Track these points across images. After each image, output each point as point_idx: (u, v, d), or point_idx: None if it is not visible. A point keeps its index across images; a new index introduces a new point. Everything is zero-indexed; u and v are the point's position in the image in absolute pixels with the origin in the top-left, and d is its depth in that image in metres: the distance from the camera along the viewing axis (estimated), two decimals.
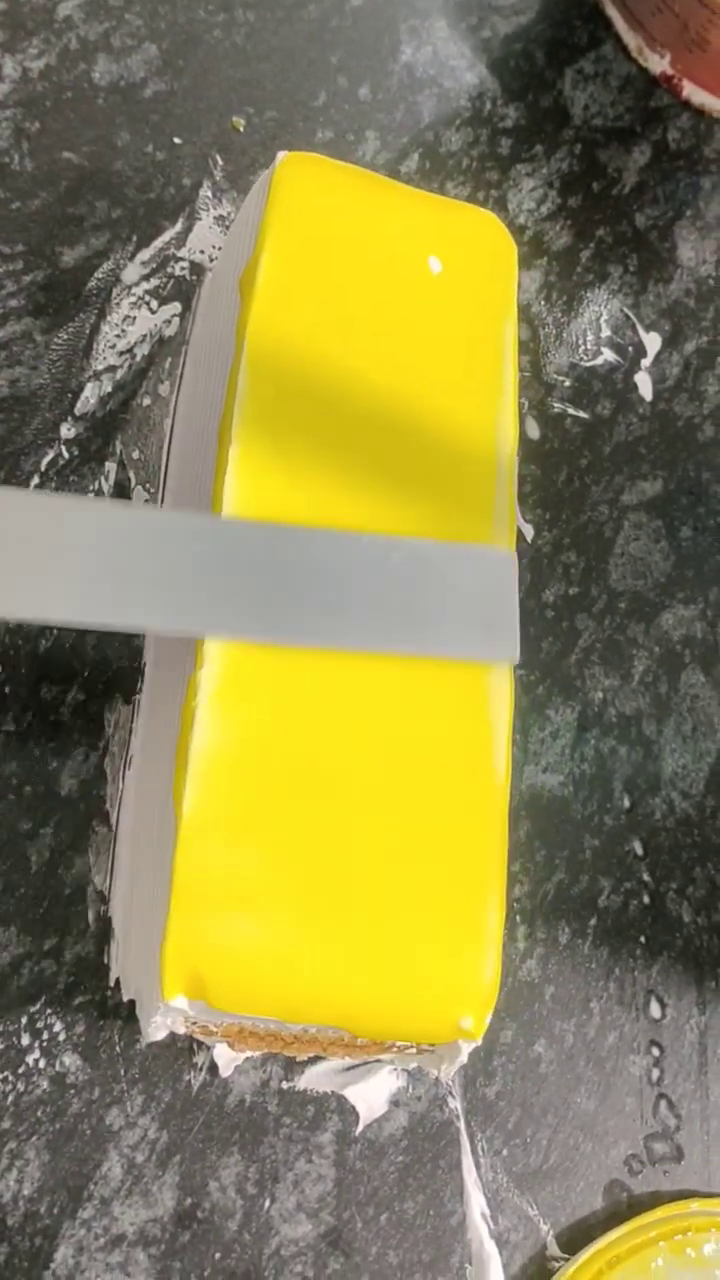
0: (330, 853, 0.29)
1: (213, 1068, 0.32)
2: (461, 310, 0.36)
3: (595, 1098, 0.35)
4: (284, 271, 0.34)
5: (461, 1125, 0.34)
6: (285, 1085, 0.32)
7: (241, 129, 0.42)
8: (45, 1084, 0.31)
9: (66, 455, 0.36)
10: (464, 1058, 0.29)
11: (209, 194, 0.41)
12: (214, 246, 0.40)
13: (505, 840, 0.31)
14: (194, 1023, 0.28)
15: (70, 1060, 0.31)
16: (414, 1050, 0.30)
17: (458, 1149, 0.33)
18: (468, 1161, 0.33)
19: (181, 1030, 0.28)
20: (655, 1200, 0.34)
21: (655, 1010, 0.37)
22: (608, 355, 0.45)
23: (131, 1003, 0.31)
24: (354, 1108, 0.33)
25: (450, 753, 0.31)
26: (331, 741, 0.30)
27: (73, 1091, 0.31)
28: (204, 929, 0.27)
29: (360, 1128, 0.33)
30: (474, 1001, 0.29)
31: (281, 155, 0.35)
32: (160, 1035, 0.28)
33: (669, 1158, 0.35)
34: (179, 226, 0.40)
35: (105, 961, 0.32)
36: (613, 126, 0.49)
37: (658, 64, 0.50)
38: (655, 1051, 0.36)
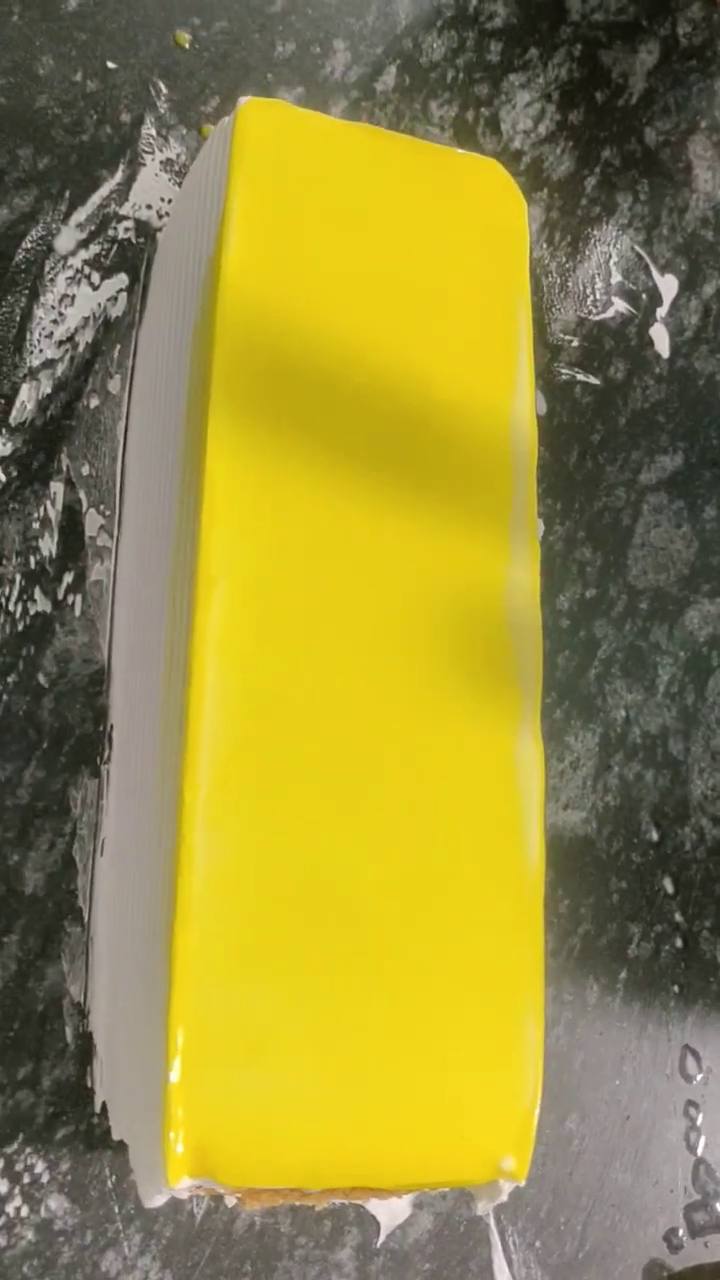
0: (345, 980, 0.25)
1: (217, 1193, 0.28)
2: (467, 282, 0.30)
3: (631, 1171, 0.32)
4: (258, 248, 0.28)
5: (491, 1221, 0.31)
6: (298, 1201, 0.29)
7: (187, 45, 0.35)
8: (30, 1234, 0.27)
9: (3, 477, 0.30)
10: (504, 1196, 0.26)
11: (153, 132, 0.34)
12: (163, 200, 0.34)
13: (541, 939, 0.27)
14: (200, 1189, 0.24)
15: (56, 1203, 0.27)
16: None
17: (488, 1247, 0.30)
18: (499, 1260, 0.30)
19: (185, 1197, 0.25)
20: (697, 1277, 0.32)
21: (691, 1066, 0.34)
22: (619, 305, 0.39)
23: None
24: (374, 1216, 0.30)
25: (475, 844, 0.27)
26: (341, 848, 0.26)
27: (62, 1239, 0.27)
28: (209, 1095, 0.23)
29: (382, 1238, 0.30)
30: (515, 1137, 0.25)
31: (242, 102, 0.29)
32: (160, 1203, 0.25)
33: (710, 1227, 0.33)
34: (119, 176, 0.34)
35: (88, 1084, 0.28)
36: (615, 21, 0.42)
37: None
38: (692, 1112, 0.33)
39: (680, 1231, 0.32)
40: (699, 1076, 0.34)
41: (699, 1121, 0.33)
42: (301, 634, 0.26)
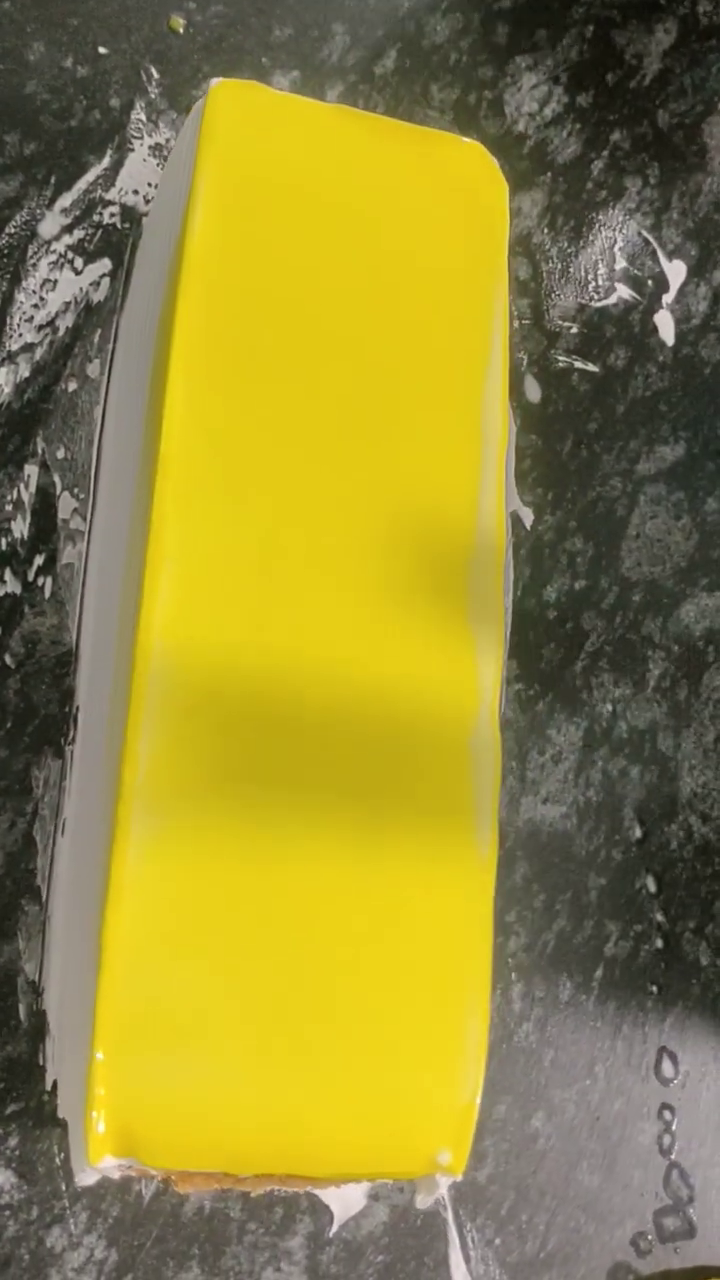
0: (281, 968, 0.25)
1: (170, 1177, 0.28)
2: (441, 263, 0.30)
3: (599, 1173, 0.32)
4: (224, 230, 0.28)
5: (449, 1216, 0.30)
6: (231, 1186, 0.29)
7: (181, 30, 0.35)
8: None
9: None
10: (442, 1190, 0.25)
11: (142, 117, 0.34)
12: (150, 185, 0.34)
13: (490, 933, 0.26)
14: (129, 1169, 0.25)
15: (3, 1178, 0.28)
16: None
17: (445, 1243, 0.30)
18: (456, 1256, 0.30)
19: (116, 1176, 0.25)
20: None
21: (668, 1069, 0.33)
22: (623, 292, 0.38)
23: None
24: (327, 1206, 0.29)
25: (425, 833, 0.26)
26: (283, 834, 0.25)
27: (7, 1213, 0.27)
28: (133, 1076, 0.23)
29: (335, 1228, 0.29)
30: (451, 1131, 0.25)
31: (213, 83, 0.29)
32: (91, 1181, 0.25)
33: (681, 1234, 0.32)
34: (107, 161, 0.34)
35: (40, 1062, 0.28)
36: (630, 0, 0.41)
37: None
38: (667, 1116, 0.33)
39: (649, 1236, 0.32)
40: (675, 1080, 0.33)
41: (674, 1125, 0.32)
42: (252, 618, 0.26)
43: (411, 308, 0.29)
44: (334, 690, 0.26)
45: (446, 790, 0.27)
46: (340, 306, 0.29)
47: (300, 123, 0.30)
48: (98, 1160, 0.23)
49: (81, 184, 0.33)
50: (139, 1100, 0.23)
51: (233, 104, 0.29)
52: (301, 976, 0.25)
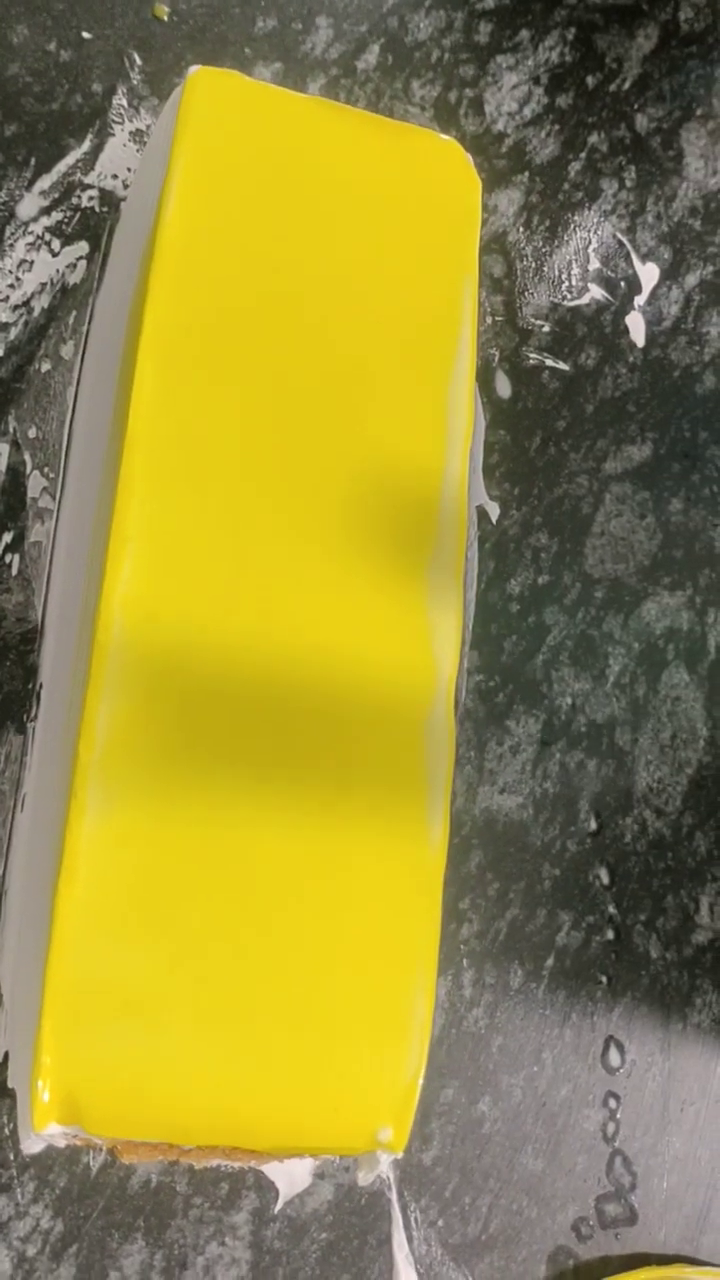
0: (230, 943, 0.25)
1: (115, 1147, 0.29)
2: (412, 258, 0.30)
3: (543, 1158, 0.32)
4: (197, 217, 0.28)
5: (393, 1196, 0.31)
6: (176, 1158, 0.29)
7: (165, 18, 0.36)
8: None
9: None
10: (384, 1168, 0.26)
11: (124, 102, 0.35)
12: (129, 170, 0.34)
13: (438, 915, 0.27)
14: (75, 1137, 0.25)
15: None
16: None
17: (388, 1222, 0.30)
18: (399, 1236, 0.30)
19: (62, 1145, 0.25)
20: (604, 1268, 0.32)
21: (614, 1058, 0.33)
22: (595, 293, 0.39)
23: None
24: (273, 1183, 0.30)
25: (377, 816, 0.27)
26: (237, 812, 0.26)
27: None
28: (79, 1045, 0.24)
29: (280, 1204, 0.30)
30: (393, 1109, 0.25)
31: (192, 71, 0.29)
32: (37, 1149, 0.25)
33: (622, 1220, 0.32)
34: (87, 145, 0.34)
35: None
36: (613, 4, 0.41)
37: None
38: (612, 1104, 0.33)
39: (590, 1221, 0.32)
40: (621, 1069, 0.33)
41: (618, 1114, 0.33)
42: (212, 597, 0.26)
43: (381, 299, 0.30)
44: (291, 672, 0.27)
45: (400, 774, 0.27)
46: (310, 295, 0.29)
47: (277, 113, 0.30)
48: (42, 1127, 0.23)
49: (61, 167, 0.34)
50: (84, 1069, 0.24)
51: (211, 92, 0.29)
52: (249, 952, 0.25)
